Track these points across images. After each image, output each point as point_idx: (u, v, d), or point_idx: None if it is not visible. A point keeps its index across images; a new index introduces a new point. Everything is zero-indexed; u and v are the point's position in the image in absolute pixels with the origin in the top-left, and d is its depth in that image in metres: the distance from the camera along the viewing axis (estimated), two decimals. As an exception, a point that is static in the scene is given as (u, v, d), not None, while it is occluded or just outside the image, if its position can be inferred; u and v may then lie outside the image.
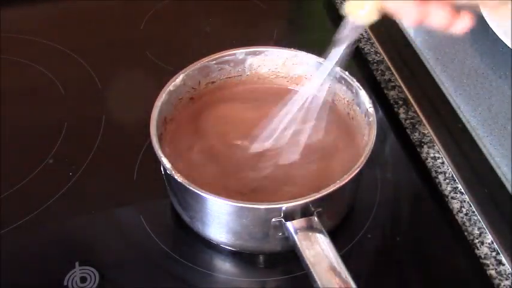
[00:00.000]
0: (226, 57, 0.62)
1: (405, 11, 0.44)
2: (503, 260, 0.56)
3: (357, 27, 0.46)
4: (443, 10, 0.43)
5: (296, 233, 0.49)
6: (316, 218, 0.49)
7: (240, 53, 0.62)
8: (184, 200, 0.54)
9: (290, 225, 0.49)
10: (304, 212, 0.49)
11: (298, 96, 0.54)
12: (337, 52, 0.50)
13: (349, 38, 0.48)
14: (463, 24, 0.44)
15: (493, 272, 0.55)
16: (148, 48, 0.77)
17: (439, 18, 0.44)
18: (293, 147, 0.55)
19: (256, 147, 0.56)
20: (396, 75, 0.73)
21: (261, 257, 0.57)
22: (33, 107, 0.70)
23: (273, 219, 0.49)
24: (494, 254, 0.57)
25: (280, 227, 0.50)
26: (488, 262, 0.56)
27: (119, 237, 0.58)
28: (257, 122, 0.57)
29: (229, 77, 0.63)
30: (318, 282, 0.46)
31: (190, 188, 0.49)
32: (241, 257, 0.56)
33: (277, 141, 0.55)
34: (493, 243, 0.57)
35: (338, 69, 0.57)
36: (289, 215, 0.49)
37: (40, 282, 0.54)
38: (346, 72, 0.59)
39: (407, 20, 0.44)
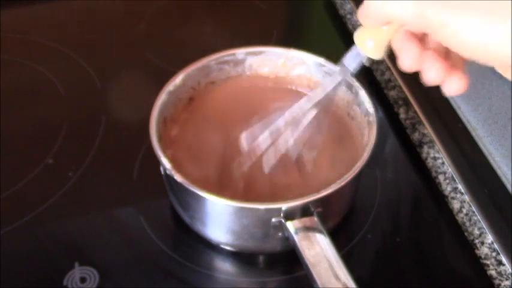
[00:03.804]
0: (226, 57, 0.62)
1: (406, 54, 0.41)
2: (504, 260, 0.56)
3: (361, 57, 0.45)
4: (438, 63, 0.40)
5: (296, 233, 0.49)
6: (316, 218, 0.49)
7: (240, 53, 0.62)
8: (184, 200, 0.54)
9: (290, 225, 0.49)
10: (304, 212, 0.49)
11: (291, 109, 0.53)
12: (335, 79, 0.49)
13: (351, 66, 0.46)
14: (455, 86, 0.41)
15: (493, 272, 0.55)
16: (148, 48, 0.77)
17: (433, 71, 0.41)
18: (269, 159, 0.55)
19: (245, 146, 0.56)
20: (396, 75, 0.73)
21: (261, 257, 0.57)
22: (33, 107, 0.70)
23: (273, 219, 0.49)
24: (494, 254, 0.57)
25: (280, 227, 0.50)
26: (488, 262, 0.56)
27: (119, 237, 0.58)
28: (256, 122, 0.57)
29: (229, 77, 0.63)
30: (318, 282, 0.46)
31: (190, 188, 0.49)
32: (241, 257, 0.56)
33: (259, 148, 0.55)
34: (493, 243, 0.57)
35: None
36: (289, 215, 0.49)
37: (40, 282, 0.54)
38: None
39: (405, 62, 0.42)
